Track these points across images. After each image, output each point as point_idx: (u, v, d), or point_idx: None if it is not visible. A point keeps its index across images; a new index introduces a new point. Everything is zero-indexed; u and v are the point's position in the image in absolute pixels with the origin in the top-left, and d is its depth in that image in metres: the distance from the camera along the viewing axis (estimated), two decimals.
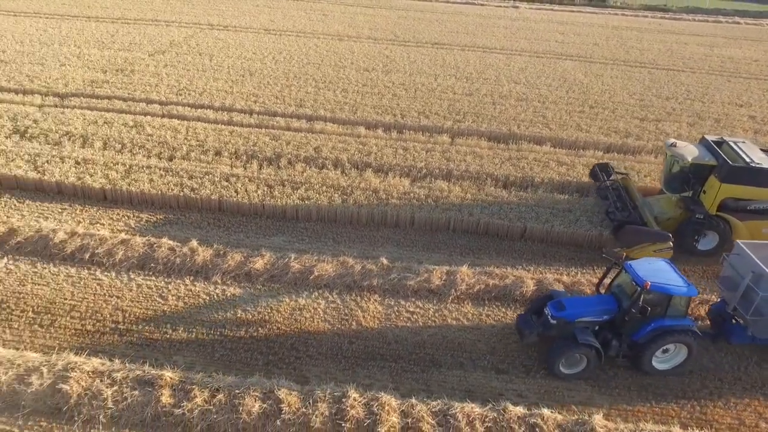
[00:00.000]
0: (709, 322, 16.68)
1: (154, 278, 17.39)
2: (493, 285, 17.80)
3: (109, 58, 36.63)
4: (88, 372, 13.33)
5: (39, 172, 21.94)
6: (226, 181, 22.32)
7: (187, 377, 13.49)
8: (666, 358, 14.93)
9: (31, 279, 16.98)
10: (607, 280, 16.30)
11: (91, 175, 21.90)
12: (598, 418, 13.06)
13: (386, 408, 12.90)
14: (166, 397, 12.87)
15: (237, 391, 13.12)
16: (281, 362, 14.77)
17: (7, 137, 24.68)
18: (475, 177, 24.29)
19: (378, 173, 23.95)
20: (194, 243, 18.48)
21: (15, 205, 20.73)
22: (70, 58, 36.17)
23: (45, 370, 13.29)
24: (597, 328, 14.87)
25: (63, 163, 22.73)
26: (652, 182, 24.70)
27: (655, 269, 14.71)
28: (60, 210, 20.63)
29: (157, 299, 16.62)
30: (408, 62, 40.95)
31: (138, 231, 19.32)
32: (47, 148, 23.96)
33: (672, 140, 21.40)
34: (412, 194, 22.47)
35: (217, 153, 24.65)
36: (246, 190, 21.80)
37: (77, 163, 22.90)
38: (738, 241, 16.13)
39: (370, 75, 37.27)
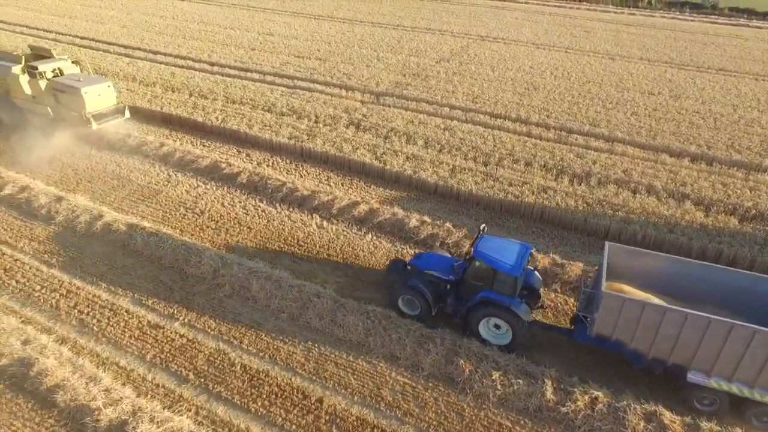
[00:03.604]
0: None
1: None
2: None
3: (404, 63, 40.48)
4: (475, 352, 14.98)
5: (380, 162, 25.18)
6: (544, 193, 23.24)
7: (563, 379, 14.41)
8: (498, 334, 15.57)
9: (395, 254, 19.59)
10: None
11: (424, 171, 24.49)
12: None
13: None
14: (549, 393, 13.89)
15: (618, 405, 13.63)
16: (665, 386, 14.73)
17: (346, 127, 28.78)
18: None
19: (698, 206, 22.82)
20: (533, 250, 19.55)
21: (363, 187, 24.11)
22: (371, 60, 40.81)
23: (438, 341, 15.26)
24: (448, 287, 16.14)
25: (397, 156, 25.79)
26: None
27: (500, 247, 15.39)
28: (399, 197, 23.44)
29: None
30: (695, 88, 38.23)
31: (473, 227, 21.05)
32: (380, 140, 27.40)
33: None
34: (746, 235, 21.00)
35: (527, 164, 25.75)
36: (566, 204, 22.45)
37: (408, 157, 25.80)
38: (606, 242, 15.64)
39: (657, 99, 35.61)
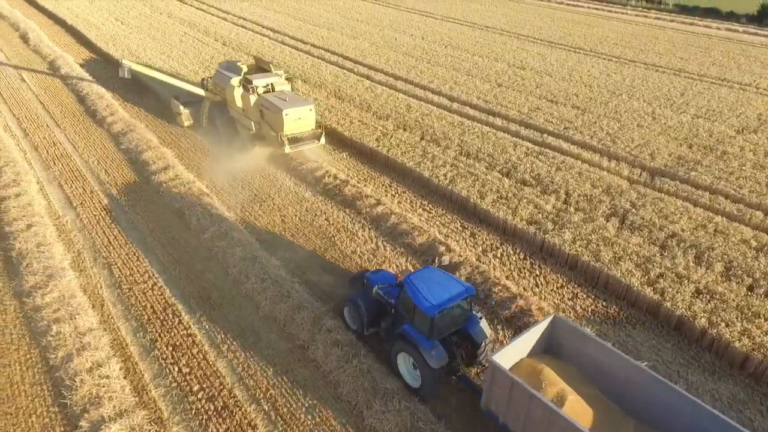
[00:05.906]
0: None
1: None
2: None
3: (690, 127, 31.18)
4: None
5: (655, 291, 17.62)
6: None
7: None
8: (414, 375, 13.82)
9: None
10: None
11: (727, 324, 16.30)
12: None
13: None
14: None
15: None
16: None
17: (606, 219, 21.62)
18: None
19: None
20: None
21: (624, 327, 16.89)
22: (644, 117, 32.39)
23: None
24: (393, 311, 14.62)
25: (681, 285, 17.89)
26: None
27: (436, 282, 13.60)
28: (683, 360, 15.72)
29: None
30: None
31: None
32: (654, 251, 19.67)
33: None
34: None
35: None
36: None
37: (698, 291, 17.74)
38: (553, 314, 13.58)
39: None
